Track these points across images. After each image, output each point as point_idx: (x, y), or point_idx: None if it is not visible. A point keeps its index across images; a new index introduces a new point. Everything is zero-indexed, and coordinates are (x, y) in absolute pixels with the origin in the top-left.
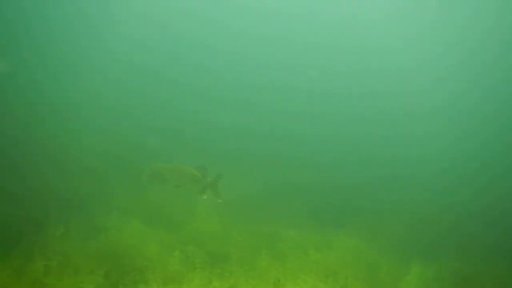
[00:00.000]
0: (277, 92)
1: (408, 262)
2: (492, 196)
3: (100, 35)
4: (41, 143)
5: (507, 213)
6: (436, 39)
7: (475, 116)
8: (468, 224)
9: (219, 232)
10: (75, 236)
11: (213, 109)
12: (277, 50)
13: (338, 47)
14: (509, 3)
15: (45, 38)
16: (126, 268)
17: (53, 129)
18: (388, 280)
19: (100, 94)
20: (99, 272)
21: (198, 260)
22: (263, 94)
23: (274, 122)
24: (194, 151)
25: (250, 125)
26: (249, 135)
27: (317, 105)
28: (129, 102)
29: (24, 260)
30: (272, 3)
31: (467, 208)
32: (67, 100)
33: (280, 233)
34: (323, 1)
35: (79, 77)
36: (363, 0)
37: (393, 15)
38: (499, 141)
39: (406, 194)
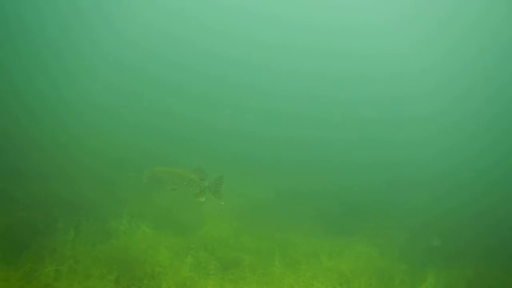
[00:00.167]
0: (285, 98)
1: (422, 269)
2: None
3: (103, 39)
4: (48, 149)
5: None
6: (438, 45)
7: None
8: (482, 231)
9: (230, 237)
10: (85, 241)
11: (222, 116)
12: (283, 56)
13: (344, 53)
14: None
15: (44, 40)
16: (137, 274)
17: (59, 135)
18: None
19: (107, 100)
20: (110, 277)
21: (211, 266)
22: (271, 100)
23: (283, 128)
24: (202, 156)
25: (259, 131)
26: (258, 141)
27: (324, 111)
28: (138, 109)
29: (34, 264)
30: (271, 9)
31: (480, 213)
32: (71, 106)
33: (292, 239)
34: (326, 8)
35: (84, 82)
36: (367, 7)
37: (396, 21)
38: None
39: (416, 198)
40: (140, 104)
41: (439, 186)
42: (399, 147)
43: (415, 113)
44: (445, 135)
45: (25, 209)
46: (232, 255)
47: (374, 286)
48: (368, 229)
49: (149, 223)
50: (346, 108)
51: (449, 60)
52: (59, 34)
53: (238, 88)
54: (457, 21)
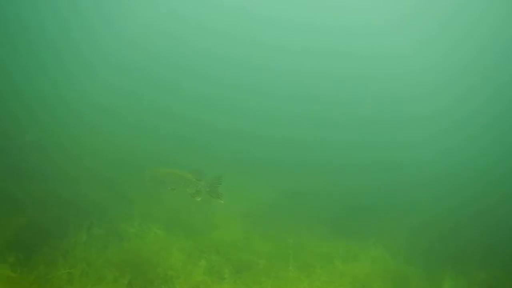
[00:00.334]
0: (288, 99)
1: (437, 274)
2: None
3: (103, 39)
4: (49, 150)
5: None
6: (438, 45)
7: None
8: (495, 233)
9: (240, 240)
10: (97, 243)
11: (222, 116)
12: (283, 56)
13: (344, 53)
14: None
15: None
16: (150, 277)
17: (60, 135)
18: None
19: (107, 101)
20: (122, 280)
21: (225, 270)
22: (275, 102)
23: (283, 128)
24: (204, 157)
25: (264, 132)
26: (258, 142)
27: (324, 111)
28: (138, 109)
29: (47, 267)
30: (271, 9)
31: (495, 216)
32: (71, 106)
33: (303, 242)
34: (326, 9)
35: (84, 82)
36: (367, 6)
37: (396, 21)
38: None
39: (420, 199)
40: (140, 104)
41: (442, 186)
42: (400, 147)
43: (415, 113)
44: (445, 136)
45: (34, 212)
46: (245, 258)
47: None
48: (378, 231)
49: (160, 225)
50: (346, 108)
51: (449, 60)
52: (59, 34)
53: (237, 88)
54: (457, 21)
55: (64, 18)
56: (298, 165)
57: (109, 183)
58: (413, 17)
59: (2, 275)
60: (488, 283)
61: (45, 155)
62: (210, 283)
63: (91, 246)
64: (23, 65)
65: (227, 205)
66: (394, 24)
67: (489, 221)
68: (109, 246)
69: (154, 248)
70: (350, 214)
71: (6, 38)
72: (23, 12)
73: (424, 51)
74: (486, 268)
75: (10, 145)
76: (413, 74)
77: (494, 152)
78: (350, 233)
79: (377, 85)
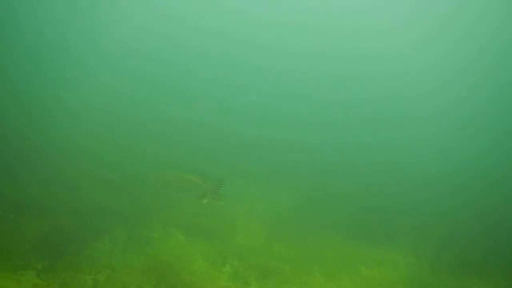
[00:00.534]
0: (302, 102)
1: (465, 281)
2: None
3: (101, 43)
4: (50, 155)
5: None
6: (438, 46)
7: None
8: None
9: (262, 245)
10: (120, 249)
11: (241, 123)
12: (291, 60)
13: (348, 54)
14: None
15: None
16: (174, 283)
17: (70, 142)
18: None
19: (112, 106)
20: (147, 286)
21: (251, 276)
22: (270, 102)
23: (305, 133)
24: (227, 166)
25: (281, 137)
26: (258, 144)
27: (324, 112)
28: (143, 115)
29: (72, 273)
30: (271, 10)
31: None
32: (76, 112)
33: (327, 246)
34: (325, 9)
35: (85, 87)
36: (366, 7)
37: (395, 21)
38: None
39: (453, 203)
40: (147, 111)
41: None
42: (401, 147)
43: (415, 113)
44: (445, 135)
45: (57, 219)
46: (269, 264)
47: None
48: (399, 235)
49: (182, 230)
50: (346, 109)
51: (448, 61)
52: (56, 36)
53: (236, 90)
54: (456, 21)
55: (60, 21)
56: (310, 168)
57: (124, 190)
58: (412, 18)
59: (30, 282)
60: None
61: (69, 164)
62: None
63: (114, 252)
64: (22, 67)
65: (245, 209)
66: (393, 25)
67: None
68: (132, 252)
69: (177, 253)
70: (368, 216)
71: (4, 41)
72: (19, 17)
73: (423, 51)
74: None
75: (36, 154)
76: (413, 74)
77: (493, 153)
78: (370, 236)
79: (378, 85)
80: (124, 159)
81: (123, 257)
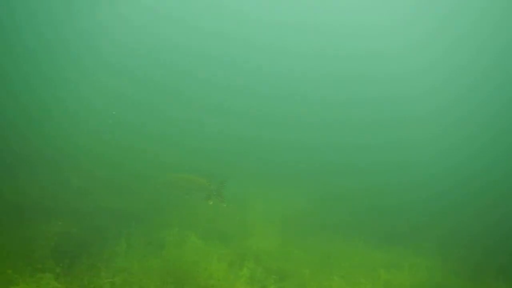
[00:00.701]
0: (302, 102)
1: (490, 285)
2: None
3: (102, 44)
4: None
5: None
6: (435, 45)
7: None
8: None
9: (279, 248)
10: (137, 252)
11: (227, 120)
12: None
13: (348, 53)
14: (509, 11)
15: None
16: (192, 287)
17: (76, 146)
18: None
19: (118, 109)
20: None
21: (269, 280)
22: (270, 103)
23: (312, 133)
24: (230, 166)
25: (290, 139)
26: (257, 144)
27: (325, 112)
28: (146, 118)
29: (89, 276)
30: (271, 11)
31: None
32: (78, 114)
33: (344, 249)
34: (325, 9)
35: (86, 89)
36: (367, 7)
37: (393, 22)
38: None
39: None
40: (147, 111)
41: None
42: (402, 147)
43: (415, 113)
44: (445, 135)
45: (74, 221)
46: (286, 267)
47: None
48: (415, 237)
49: (197, 233)
50: (347, 109)
51: (448, 60)
52: (56, 36)
53: (235, 91)
54: (456, 20)
55: (60, 21)
56: (320, 168)
57: (137, 192)
58: (412, 17)
59: (49, 285)
60: None
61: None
62: None
63: (131, 255)
64: (22, 70)
65: (260, 211)
66: (393, 25)
67: None
68: (148, 255)
69: (194, 256)
70: (382, 217)
71: (2, 41)
72: (19, 16)
73: (423, 51)
74: None
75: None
76: (412, 74)
77: (492, 152)
78: (386, 238)
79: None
80: (126, 159)
81: (140, 260)
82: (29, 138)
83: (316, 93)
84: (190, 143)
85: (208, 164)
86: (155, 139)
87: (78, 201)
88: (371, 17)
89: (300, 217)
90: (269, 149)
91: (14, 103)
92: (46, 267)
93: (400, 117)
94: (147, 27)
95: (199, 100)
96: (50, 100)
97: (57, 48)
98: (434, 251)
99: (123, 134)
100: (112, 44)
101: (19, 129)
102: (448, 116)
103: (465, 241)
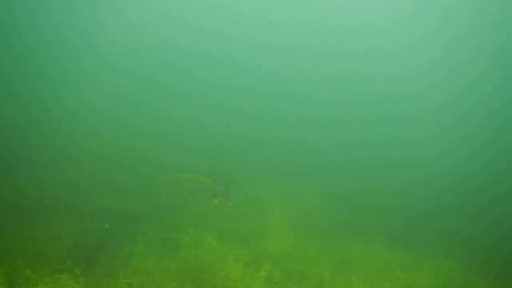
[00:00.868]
0: (302, 102)
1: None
2: None
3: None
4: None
5: None
6: (434, 44)
7: None
8: None
9: (295, 249)
10: (154, 253)
11: (227, 120)
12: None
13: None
14: (507, 10)
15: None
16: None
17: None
18: None
19: (120, 111)
20: None
21: (286, 281)
22: (270, 103)
23: (312, 133)
24: (233, 166)
25: (290, 138)
26: (257, 145)
27: (325, 112)
28: (148, 118)
29: (107, 277)
30: (271, 11)
31: None
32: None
33: (360, 250)
34: (325, 9)
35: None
36: (366, 7)
37: (392, 20)
38: None
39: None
40: (147, 111)
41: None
42: (403, 146)
43: (415, 112)
44: (444, 134)
45: (89, 222)
46: (303, 268)
47: None
48: (434, 239)
49: (212, 233)
50: (347, 108)
51: (448, 59)
52: (56, 36)
53: (236, 90)
54: (456, 20)
55: (60, 21)
56: (330, 168)
57: (140, 192)
58: (411, 17)
59: (67, 286)
60: None
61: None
62: None
63: (148, 256)
64: (22, 70)
65: (272, 211)
66: (392, 24)
67: None
68: (165, 255)
69: (210, 257)
70: (394, 218)
71: (2, 42)
72: (19, 16)
73: (423, 50)
74: None
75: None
76: (412, 73)
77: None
78: (400, 238)
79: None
80: (126, 159)
81: (157, 261)
82: (29, 138)
83: (316, 93)
84: (190, 143)
85: (208, 164)
86: (155, 139)
87: (81, 201)
88: (370, 16)
89: (312, 216)
90: (270, 149)
91: (14, 103)
92: (65, 268)
93: (399, 117)
94: (147, 27)
95: (199, 100)
96: (50, 100)
97: (57, 48)
98: (454, 252)
99: (123, 134)
100: (112, 44)
101: (19, 129)
102: (447, 115)
103: (488, 243)
